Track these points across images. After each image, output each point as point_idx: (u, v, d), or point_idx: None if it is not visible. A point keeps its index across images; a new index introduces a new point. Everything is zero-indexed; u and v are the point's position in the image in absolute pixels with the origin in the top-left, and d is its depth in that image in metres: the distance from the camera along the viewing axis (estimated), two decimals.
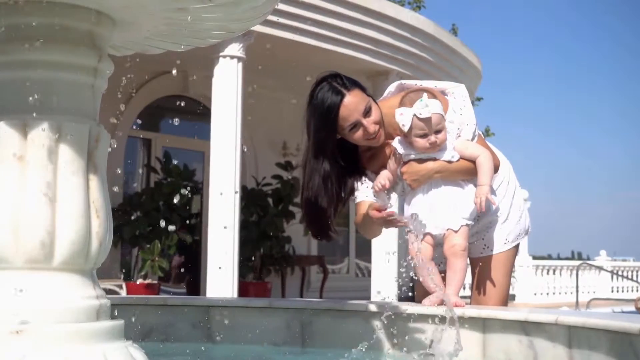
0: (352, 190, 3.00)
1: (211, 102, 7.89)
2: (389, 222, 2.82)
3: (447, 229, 2.85)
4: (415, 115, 2.79)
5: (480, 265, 3.03)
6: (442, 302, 2.84)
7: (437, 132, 2.82)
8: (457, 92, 2.95)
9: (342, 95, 2.80)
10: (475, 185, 2.88)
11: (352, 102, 2.80)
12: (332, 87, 2.82)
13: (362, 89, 2.88)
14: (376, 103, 2.89)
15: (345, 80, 2.84)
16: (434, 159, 2.87)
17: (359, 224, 3.04)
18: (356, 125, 2.82)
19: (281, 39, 8.16)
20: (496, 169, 2.95)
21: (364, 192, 3.00)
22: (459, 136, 2.90)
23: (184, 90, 10.30)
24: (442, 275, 2.92)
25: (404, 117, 2.81)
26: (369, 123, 2.82)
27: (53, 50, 1.75)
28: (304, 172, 2.95)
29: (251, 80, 7.99)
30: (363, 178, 3.00)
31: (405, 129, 2.82)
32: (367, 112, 2.82)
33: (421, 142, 2.83)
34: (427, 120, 2.79)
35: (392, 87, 3.08)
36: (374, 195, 2.97)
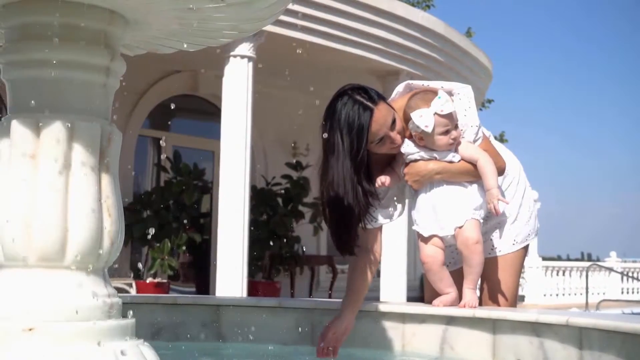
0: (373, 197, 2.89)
1: (221, 102, 7.90)
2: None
3: (455, 228, 2.83)
4: (436, 113, 2.77)
5: (489, 266, 3.02)
6: (452, 303, 2.84)
7: (455, 127, 2.82)
8: (463, 93, 2.93)
9: (371, 111, 2.68)
10: (479, 185, 2.87)
11: (381, 117, 2.70)
12: (359, 102, 2.69)
13: (383, 97, 2.78)
14: (395, 110, 2.84)
15: (370, 92, 2.73)
16: (435, 160, 2.85)
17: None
18: (383, 138, 2.75)
19: (291, 38, 8.17)
20: (501, 170, 2.92)
21: (372, 219, 2.89)
22: (462, 137, 2.89)
23: (194, 89, 10.33)
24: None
25: (425, 119, 2.76)
26: (395, 134, 2.77)
27: (66, 49, 1.75)
28: (323, 186, 2.79)
29: (261, 80, 8.00)
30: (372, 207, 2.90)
31: (429, 129, 2.76)
32: (393, 124, 2.76)
33: (444, 140, 2.80)
34: (449, 116, 2.77)
35: (399, 88, 3.05)
36: (378, 201, 2.92)
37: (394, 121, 2.75)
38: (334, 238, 2.88)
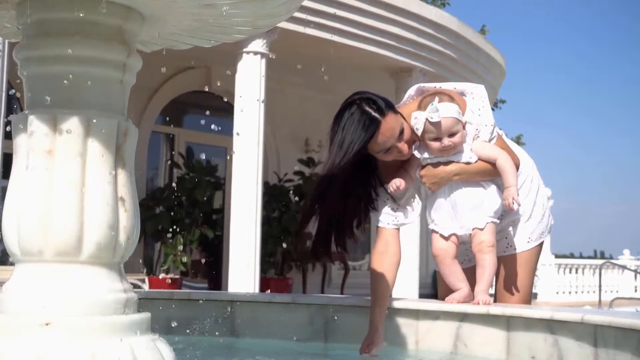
0: (372, 202, 2.93)
1: (234, 98, 7.91)
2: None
3: (474, 228, 2.85)
4: (427, 119, 2.78)
5: (504, 264, 3.02)
6: (464, 300, 2.84)
7: (452, 135, 2.80)
8: (476, 92, 2.93)
9: (379, 123, 2.68)
10: (498, 185, 2.88)
11: (388, 129, 2.71)
12: (367, 114, 2.68)
13: (392, 107, 2.78)
14: (405, 119, 2.82)
15: (378, 102, 2.72)
16: (452, 162, 2.86)
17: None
18: (390, 148, 2.76)
19: (305, 35, 8.16)
20: (516, 166, 2.93)
21: (387, 218, 2.91)
22: (477, 137, 2.89)
23: (207, 85, 10.34)
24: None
25: (418, 121, 2.80)
26: (403, 145, 2.78)
27: (83, 45, 1.76)
28: (321, 188, 2.84)
29: (274, 77, 8.01)
30: (387, 201, 2.92)
31: (419, 132, 2.80)
32: (400, 135, 2.76)
33: (435, 146, 2.82)
34: (437, 125, 2.77)
35: (411, 91, 3.04)
36: (393, 203, 2.93)
37: (401, 132, 2.75)
38: (322, 237, 2.92)
